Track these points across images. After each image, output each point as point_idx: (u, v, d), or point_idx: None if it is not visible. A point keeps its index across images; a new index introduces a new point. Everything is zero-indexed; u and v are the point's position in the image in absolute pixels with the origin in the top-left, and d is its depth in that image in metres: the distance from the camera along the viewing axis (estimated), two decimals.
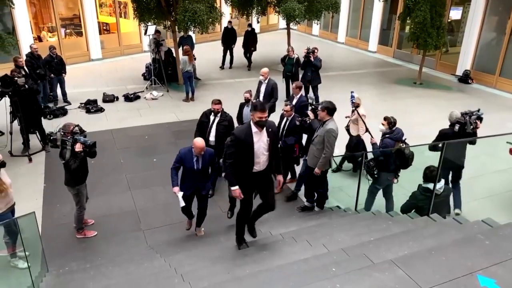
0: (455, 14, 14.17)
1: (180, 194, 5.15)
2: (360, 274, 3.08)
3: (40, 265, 4.95)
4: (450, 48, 13.95)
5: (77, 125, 5.51)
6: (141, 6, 11.59)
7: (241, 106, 7.56)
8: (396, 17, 14.94)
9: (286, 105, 6.62)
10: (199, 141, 5.06)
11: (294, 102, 7.22)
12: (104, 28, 16.59)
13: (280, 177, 4.50)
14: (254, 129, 4.11)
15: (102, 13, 16.56)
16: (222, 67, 14.56)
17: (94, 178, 7.26)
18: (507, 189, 6.57)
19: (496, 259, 3.10)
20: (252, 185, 4.24)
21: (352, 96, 6.28)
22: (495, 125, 8.83)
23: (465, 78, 12.96)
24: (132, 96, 11.46)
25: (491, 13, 12.74)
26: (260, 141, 4.14)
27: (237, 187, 4.13)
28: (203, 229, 5.81)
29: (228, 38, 13.97)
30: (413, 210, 4.84)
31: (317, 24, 16.20)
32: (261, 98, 8.30)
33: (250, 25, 13.95)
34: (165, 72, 12.39)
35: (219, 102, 6.55)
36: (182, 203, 5.19)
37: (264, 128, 4.15)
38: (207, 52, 15.28)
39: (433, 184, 4.61)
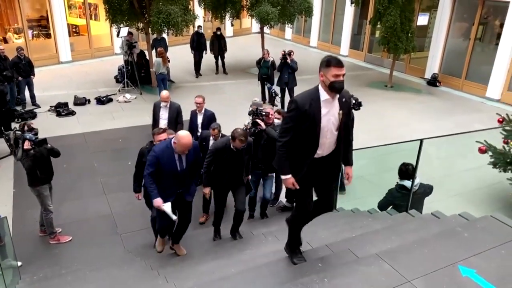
0: (422, 20, 14.65)
1: (168, 206, 4.15)
2: (347, 268, 3.12)
3: (12, 273, 4.74)
4: (419, 53, 14.42)
5: (26, 123, 5.50)
6: (113, 8, 11.36)
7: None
8: (367, 22, 15.31)
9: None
10: (186, 137, 4.01)
11: (201, 118, 6.74)
12: (74, 30, 16.18)
13: (349, 169, 3.38)
14: (323, 95, 3.00)
15: (71, 14, 16.14)
16: (217, 72, 14.23)
17: (68, 182, 7.08)
18: (478, 186, 6.85)
19: (475, 250, 3.21)
20: (311, 175, 3.14)
21: (272, 89, 6.35)
22: (463, 126, 9.22)
23: (433, 81, 13.42)
24: (104, 99, 11.21)
25: (457, 19, 13.27)
26: (330, 114, 3.04)
27: (290, 175, 3.08)
28: (181, 247, 4.81)
29: (201, 43, 13.74)
30: (391, 207, 4.94)
31: (290, 28, 16.38)
32: (163, 124, 6.79)
33: (218, 28, 13.86)
34: (138, 75, 12.19)
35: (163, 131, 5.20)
36: (174, 216, 4.24)
37: (337, 96, 3.05)
38: (180, 55, 15.14)
39: (407, 181, 4.72)
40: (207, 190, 5.09)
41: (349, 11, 16.59)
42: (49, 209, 5.52)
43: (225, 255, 4.26)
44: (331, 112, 3.04)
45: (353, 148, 3.45)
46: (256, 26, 17.88)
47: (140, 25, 11.98)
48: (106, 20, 11.97)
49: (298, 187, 3.11)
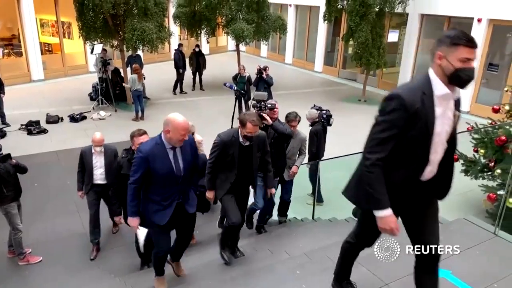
0: (392, 36, 15.15)
1: (143, 232, 3.55)
2: (325, 274, 3.10)
3: None
4: (391, 68, 14.84)
5: None
6: (86, 25, 11.29)
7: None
8: (339, 39, 15.71)
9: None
10: (180, 118, 3.18)
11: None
12: (47, 48, 15.96)
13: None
14: (440, 88, 2.09)
15: (44, 33, 15.97)
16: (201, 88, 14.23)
17: (39, 201, 6.84)
18: (452, 194, 6.98)
19: (450, 252, 3.25)
20: (410, 207, 2.31)
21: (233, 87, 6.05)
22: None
23: None
24: (78, 116, 11.00)
25: (425, 36, 13.78)
26: (445, 117, 2.15)
27: (390, 211, 2.14)
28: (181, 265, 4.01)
29: (183, 61, 13.75)
30: None
31: (266, 45, 16.64)
32: (99, 174, 5.38)
33: (198, 45, 13.98)
34: (113, 92, 12.05)
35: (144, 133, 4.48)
36: (142, 239, 3.74)
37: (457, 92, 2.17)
38: (156, 72, 15.10)
39: None
40: (211, 195, 4.07)
41: (322, 28, 17.00)
42: (18, 228, 5.29)
43: (200, 268, 4.15)
44: (446, 114, 2.12)
45: (326, 158, 3.47)
46: (232, 44, 18.11)
47: (115, 42, 11.93)
48: (79, 37, 11.86)
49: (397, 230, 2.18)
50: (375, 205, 2.16)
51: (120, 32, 11.55)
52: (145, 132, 4.31)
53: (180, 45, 13.80)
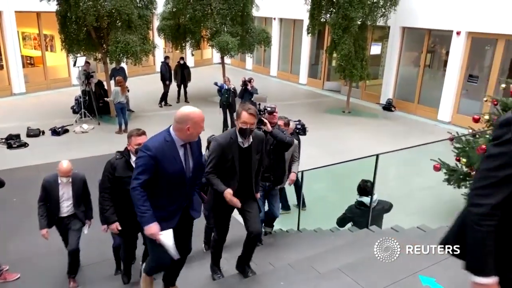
0: (375, 49, 15.41)
1: (169, 235, 2.90)
2: (308, 284, 3.06)
3: None
4: (374, 80, 15.06)
5: None
6: (69, 38, 11.21)
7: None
8: (323, 52, 15.90)
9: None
10: (195, 110, 2.95)
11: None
12: (28, 61, 15.76)
13: None
14: None
15: (26, 46, 15.78)
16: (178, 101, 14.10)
17: (18, 217, 6.65)
18: (436, 203, 7.05)
19: (434, 259, 3.24)
20: None
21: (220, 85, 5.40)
22: (420, 148, 9.58)
23: (388, 106, 13.98)
24: (60, 130, 10.82)
25: (406, 48, 14.05)
26: None
27: (494, 279, 1.61)
28: None
29: (170, 73, 13.73)
30: (351, 224, 4.97)
31: (251, 58, 16.73)
32: (65, 206, 4.82)
33: (182, 58, 14.01)
34: (96, 105, 11.92)
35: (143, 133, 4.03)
36: (176, 254, 2.95)
37: None
38: (140, 85, 15.02)
39: (365, 198, 4.79)
40: (231, 197, 3.35)
41: (306, 41, 17.20)
42: None
43: (182, 281, 4.07)
44: None
45: (310, 168, 3.45)
46: (217, 56, 18.16)
47: (98, 55, 11.85)
48: (62, 50, 11.76)
49: None
50: (477, 268, 1.62)
51: (104, 45, 11.48)
52: (144, 133, 3.93)
53: (166, 57, 13.85)
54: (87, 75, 11.61)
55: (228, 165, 3.41)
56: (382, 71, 14.90)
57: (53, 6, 11.18)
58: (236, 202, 3.31)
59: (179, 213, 3.02)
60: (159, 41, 15.98)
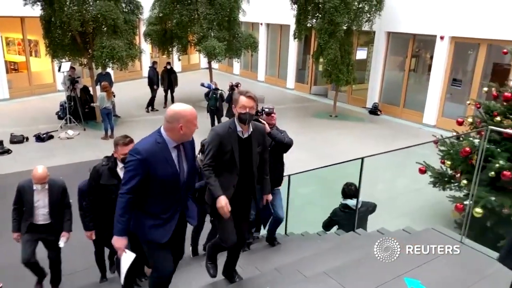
0: (361, 54, 15.57)
1: (130, 257, 2.77)
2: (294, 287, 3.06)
3: None
4: (360, 85, 15.20)
5: None
6: (53, 43, 11.09)
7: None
8: (310, 57, 16.01)
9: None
10: (186, 107, 2.77)
11: None
12: (12, 67, 15.53)
13: None
14: None
15: (10, 51, 15.55)
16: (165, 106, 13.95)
17: (1, 224, 6.50)
18: (422, 206, 7.12)
19: (418, 262, 3.27)
20: None
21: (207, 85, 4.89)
22: (405, 150, 9.68)
23: (374, 110, 14.11)
24: (44, 136, 10.67)
25: (392, 53, 14.22)
26: None
27: None
28: None
29: (158, 78, 13.67)
30: (336, 227, 4.98)
31: (238, 62, 16.75)
32: (41, 215, 4.48)
33: (169, 63, 13.97)
34: (82, 110, 11.79)
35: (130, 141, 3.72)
36: (126, 266, 2.81)
37: None
38: (127, 90, 14.92)
39: (350, 200, 4.81)
40: (223, 203, 3.05)
41: (293, 46, 17.30)
42: None
43: None
44: None
45: (297, 172, 3.41)
46: (204, 61, 18.17)
47: (84, 60, 11.74)
48: (46, 55, 11.62)
49: None
50: None
51: (89, 50, 11.39)
52: (131, 141, 3.65)
53: (154, 62, 13.83)
54: (72, 81, 11.49)
55: (227, 157, 3.15)
56: (368, 75, 15.04)
57: (37, 11, 11.06)
58: (227, 212, 3.04)
59: (174, 220, 2.82)
60: (146, 46, 15.92)
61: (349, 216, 4.75)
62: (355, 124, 13.15)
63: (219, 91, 10.79)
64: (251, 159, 3.26)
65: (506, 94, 5.85)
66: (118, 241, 2.72)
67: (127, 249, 2.76)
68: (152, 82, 13.37)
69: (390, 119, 13.69)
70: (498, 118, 5.82)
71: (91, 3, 10.76)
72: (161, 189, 2.74)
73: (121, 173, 3.59)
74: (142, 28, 15.01)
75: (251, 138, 3.24)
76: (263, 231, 6.09)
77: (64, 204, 4.49)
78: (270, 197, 3.55)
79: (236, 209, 3.18)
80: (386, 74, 14.29)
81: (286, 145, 4.22)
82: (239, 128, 3.19)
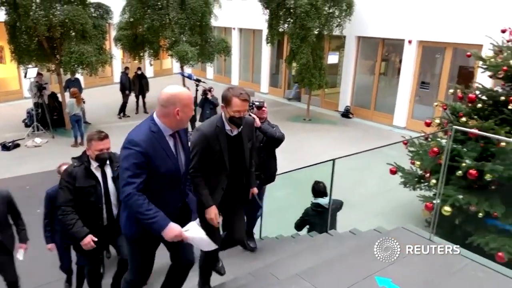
0: (332, 58, 15.80)
1: (195, 227, 2.54)
2: None
3: None
4: (332, 88, 15.41)
5: None
6: (19, 48, 10.75)
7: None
8: (283, 61, 16.14)
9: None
10: (182, 89, 2.52)
11: None
12: None
13: None
14: None
15: None
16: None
17: None
18: (395, 206, 7.26)
19: (389, 260, 3.31)
20: None
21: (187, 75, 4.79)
22: (376, 152, 9.87)
23: (346, 113, 14.34)
24: (10, 144, 10.31)
25: (362, 57, 14.51)
26: None
27: None
28: None
29: (130, 83, 13.46)
30: (307, 227, 5.02)
31: (211, 67, 16.70)
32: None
33: (140, 68, 13.79)
34: (50, 117, 11.46)
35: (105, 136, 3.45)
36: (207, 242, 2.57)
37: None
38: (97, 96, 14.61)
39: (321, 199, 4.87)
40: (213, 213, 2.96)
41: (266, 51, 17.40)
42: None
43: None
44: None
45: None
46: (177, 66, 17.99)
47: (52, 66, 11.44)
48: (11, 61, 11.26)
49: None
50: None
51: (57, 55, 11.10)
52: (106, 136, 3.37)
53: (126, 68, 13.67)
54: (39, 87, 11.16)
55: (216, 157, 2.93)
56: (340, 79, 15.29)
57: (1, 16, 10.71)
58: (216, 224, 2.90)
59: (175, 214, 2.54)
60: (117, 52, 15.66)
61: (321, 215, 4.81)
62: (328, 127, 13.32)
63: (201, 84, 10.69)
64: (243, 157, 3.07)
65: (470, 95, 6.05)
66: (171, 231, 2.38)
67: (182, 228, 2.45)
68: (124, 88, 13.17)
69: (362, 121, 13.93)
70: (464, 119, 6.01)
71: (58, 8, 10.50)
72: (160, 185, 2.45)
73: (97, 172, 3.39)
74: (113, 33, 14.76)
75: (241, 135, 3.03)
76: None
77: (14, 215, 4.04)
78: (255, 190, 3.37)
79: (229, 210, 3.05)
80: (357, 77, 14.55)
81: (278, 139, 4.06)
82: (227, 127, 2.97)
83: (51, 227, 4.30)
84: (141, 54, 14.10)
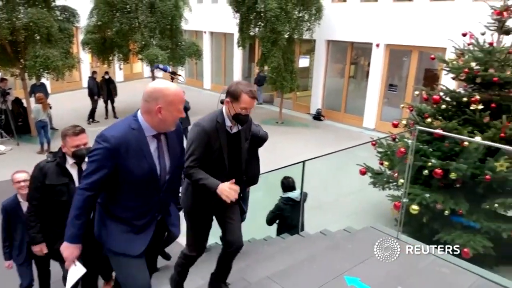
0: (303, 62, 16.00)
1: (80, 271, 2.33)
2: None
3: None
4: (304, 91, 15.58)
5: None
6: None
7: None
8: (254, 65, 16.21)
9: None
10: (171, 86, 2.23)
11: None
12: None
13: None
14: None
15: None
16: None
17: None
18: (365, 206, 7.39)
19: (358, 259, 3.38)
20: None
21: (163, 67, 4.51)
22: (347, 153, 10.04)
23: (318, 116, 14.53)
24: None
25: (332, 60, 14.76)
26: None
27: None
28: None
29: (98, 88, 13.15)
30: (278, 221, 5.06)
31: (182, 71, 16.56)
32: None
33: (107, 72, 13.52)
34: (15, 124, 11.07)
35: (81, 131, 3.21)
36: (73, 280, 2.35)
37: None
38: (65, 101, 14.23)
39: (291, 193, 4.94)
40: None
41: (238, 54, 17.44)
42: None
43: None
44: None
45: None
46: (147, 70, 17.77)
47: (16, 70, 11.06)
48: None
49: None
50: None
51: (21, 60, 10.74)
52: (83, 130, 3.15)
53: (94, 72, 13.38)
54: (2, 92, 10.76)
55: (215, 156, 2.72)
56: (311, 82, 15.49)
57: None
58: (234, 194, 2.55)
59: (150, 229, 2.33)
60: (85, 56, 15.32)
61: (292, 208, 4.90)
62: (300, 129, 13.45)
63: (177, 77, 10.56)
64: (240, 156, 2.90)
65: (434, 97, 6.24)
66: (68, 249, 2.22)
67: (77, 260, 2.28)
68: (92, 93, 12.88)
69: (333, 124, 14.14)
70: (429, 120, 6.18)
71: (21, 11, 10.18)
72: (134, 189, 2.23)
73: (72, 170, 3.17)
74: (80, 36, 14.42)
75: (239, 134, 2.86)
76: (211, 241, 6.01)
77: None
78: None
79: (224, 212, 2.85)
80: (328, 81, 14.78)
81: (261, 138, 3.71)
82: (228, 123, 2.77)
83: (9, 242, 3.95)
84: (110, 58, 13.84)
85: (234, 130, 2.83)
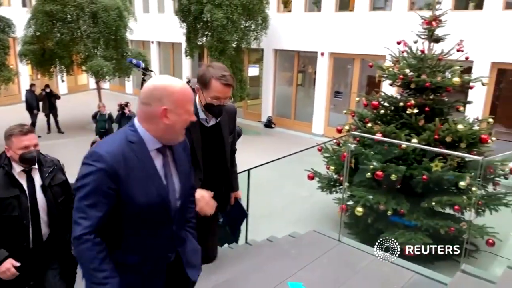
0: (253, 71, 16.17)
1: None
2: None
3: None
4: (255, 100, 15.72)
5: None
6: None
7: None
8: None
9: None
10: (176, 82, 1.68)
11: None
12: None
13: None
14: None
15: None
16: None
17: None
18: (313, 210, 7.52)
19: (302, 264, 3.42)
20: None
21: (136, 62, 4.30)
22: (297, 158, 10.22)
23: (269, 124, 14.71)
24: None
25: (280, 69, 15.04)
26: None
27: None
28: None
29: (37, 101, 12.48)
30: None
31: (128, 81, 16.20)
32: None
33: (48, 85, 12.90)
34: None
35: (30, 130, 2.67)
36: None
37: None
38: (2, 116, 13.38)
39: None
40: None
41: (186, 64, 17.34)
42: None
43: None
44: None
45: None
46: (93, 82, 17.19)
47: None
48: None
49: None
50: None
51: None
52: (31, 130, 2.64)
53: (32, 85, 12.73)
54: None
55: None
56: (261, 91, 15.67)
57: None
58: (211, 210, 2.21)
59: (161, 272, 1.77)
60: (24, 68, 14.55)
61: None
62: (252, 137, 13.53)
63: (107, 112, 10.28)
64: (223, 152, 2.50)
65: (374, 102, 6.52)
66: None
67: None
68: (31, 107, 12.23)
69: (284, 131, 14.36)
70: (370, 124, 6.45)
71: None
72: (139, 223, 1.66)
73: (21, 179, 2.55)
74: (18, 47, 13.71)
75: (219, 126, 2.45)
76: None
77: None
78: (240, 193, 2.83)
79: (201, 223, 2.22)
80: (277, 89, 15.03)
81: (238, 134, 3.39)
82: (202, 115, 2.36)
83: None
84: (51, 70, 13.24)
85: (212, 122, 2.43)
